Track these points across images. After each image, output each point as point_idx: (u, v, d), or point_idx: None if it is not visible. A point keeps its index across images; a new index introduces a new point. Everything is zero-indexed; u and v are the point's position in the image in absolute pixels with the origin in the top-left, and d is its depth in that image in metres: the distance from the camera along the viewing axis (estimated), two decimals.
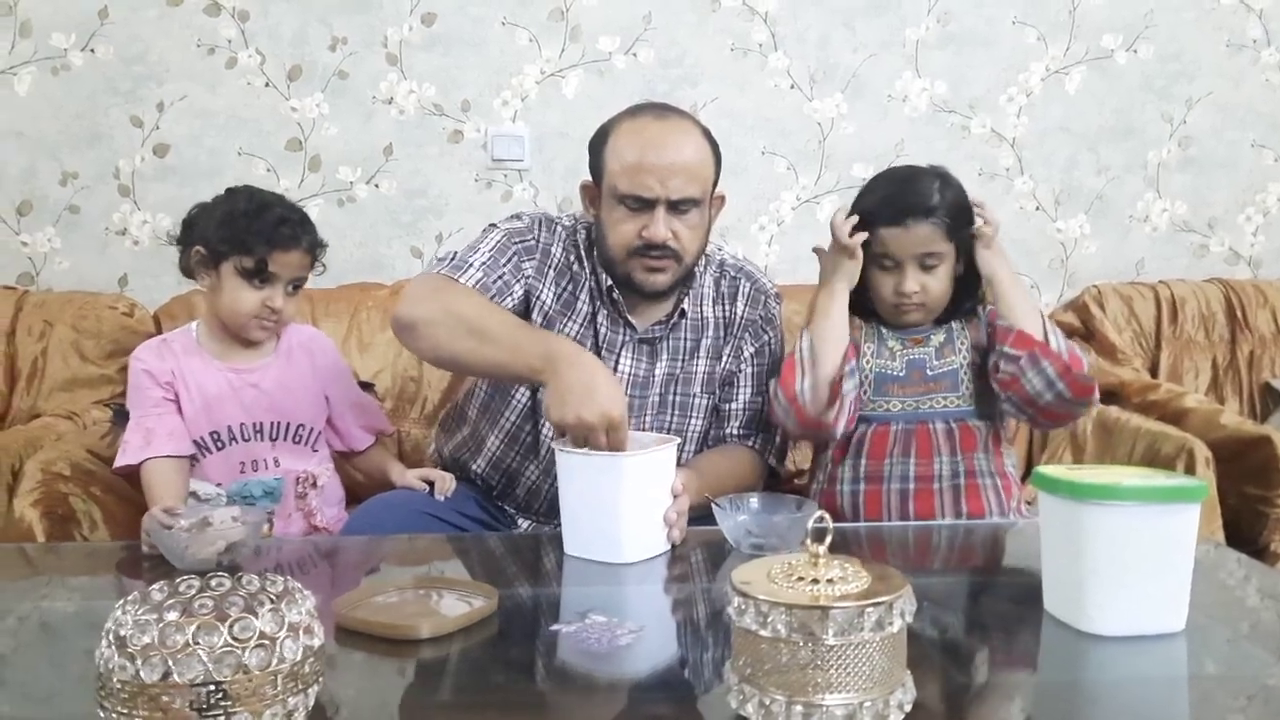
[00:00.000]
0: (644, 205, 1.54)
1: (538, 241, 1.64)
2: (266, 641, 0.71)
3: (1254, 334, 2.70)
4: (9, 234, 2.61)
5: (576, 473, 1.34)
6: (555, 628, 1.06)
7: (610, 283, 1.63)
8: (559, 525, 1.36)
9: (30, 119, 2.58)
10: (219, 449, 1.66)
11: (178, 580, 0.76)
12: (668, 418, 1.67)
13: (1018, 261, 2.81)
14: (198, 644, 0.70)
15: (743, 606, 0.80)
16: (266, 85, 2.63)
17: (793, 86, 2.75)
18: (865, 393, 1.68)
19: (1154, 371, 2.67)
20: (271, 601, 0.74)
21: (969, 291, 1.70)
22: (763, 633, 0.78)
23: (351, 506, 1.75)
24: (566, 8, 2.67)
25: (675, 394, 1.68)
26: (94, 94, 2.59)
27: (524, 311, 1.61)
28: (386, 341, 2.34)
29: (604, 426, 1.31)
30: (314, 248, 1.67)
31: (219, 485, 1.65)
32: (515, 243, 1.63)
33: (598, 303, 1.65)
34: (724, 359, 1.71)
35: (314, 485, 1.70)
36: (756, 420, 1.70)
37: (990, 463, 1.65)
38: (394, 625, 1.02)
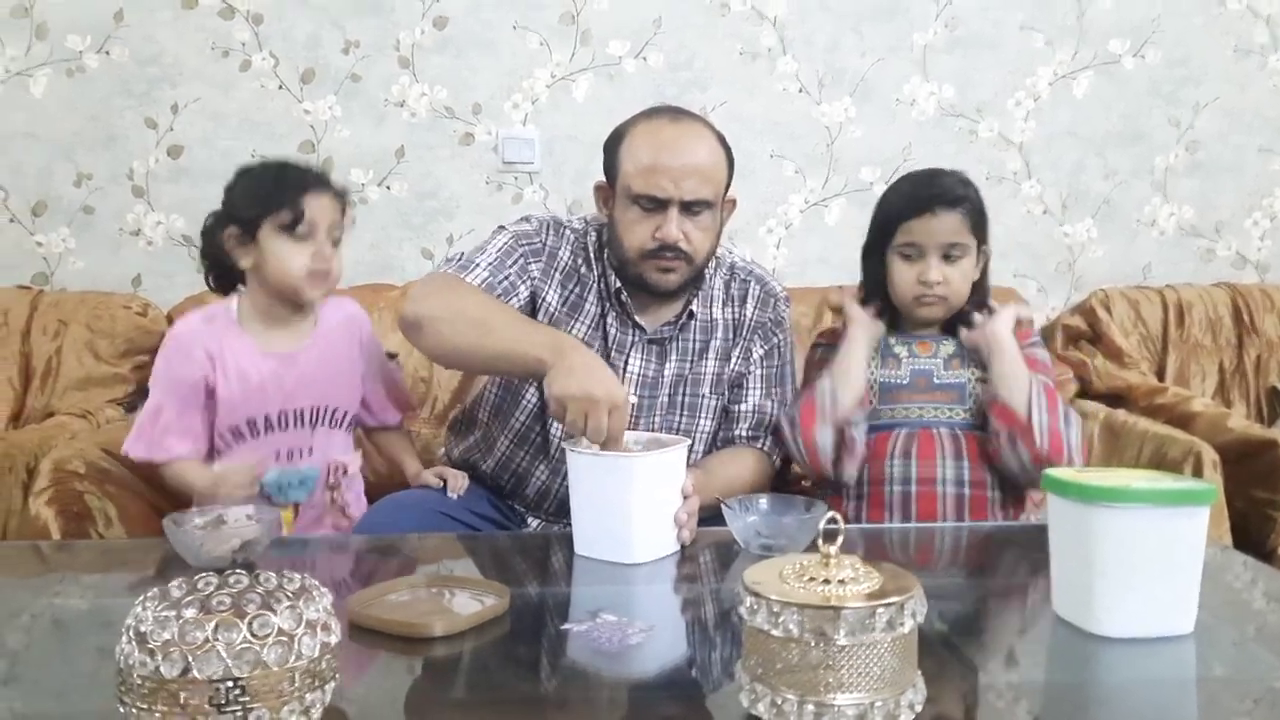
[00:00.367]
0: (657, 206, 1.55)
1: (544, 244, 1.66)
2: (285, 638, 0.72)
3: (1261, 338, 2.70)
4: (24, 234, 2.63)
5: (586, 473, 1.34)
6: (566, 626, 1.07)
7: (619, 285, 1.64)
8: (569, 525, 1.37)
9: (45, 120, 2.60)
10: (255, 436, 1.63)
11: (196, 577, 0.77)
12: (676, 418, 1.68)
13: (1025, 266, 2.83)
14: (217, 640, 0.71)
15: (755, 606, 0.80)
16: (280, 88, 2.64)
17: (801, 90, 2.76)
18: (870, 401, 1.68)
19: (1161, 375, 2.67)
20: (289, 598, 0.75)
21: (981, 300, 1.70)
22: (774, 632, 0.79)
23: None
24: (577, 12, 2.68)
25: (684, 395, 1.68)
26: (108, 96, 2.61)
27: (530, 313, 1.62)
28: (397, 343, 2.34)
29: (608, 404, 1.31)
30: (342, 194, 1.65)
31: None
32: (522, 245, 1.64)
33: (606, 304, 1.66)
34: (733, 360, 1.71)
35: (345, 473, 1.69)
36: (765, 422, 1.71)
37: (999, 476, 1.62)
38: (407, 623, 1.03)
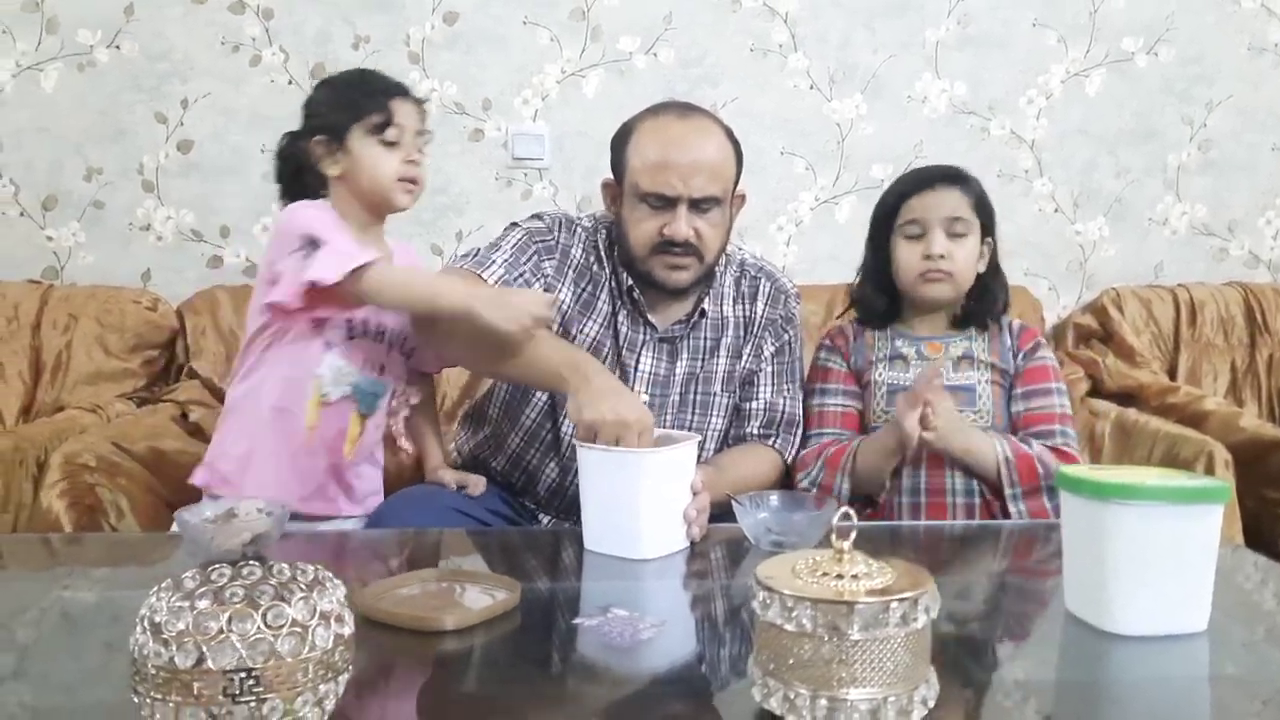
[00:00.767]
0: (666, 203, 1.55)
1: (557, 242, 1.65)
2: (299, 629, 0.72)
3: (1273, 337, 2.69)
4: (34, 229, 2.64)
5: (597, 469, 1.34)
6: (577, 621, 1.07)
7: (630, 282, 1.64)
8: (579, 521, 1.37)
9: (56, 115, 2.61)
10: (350, 340, 1.59)
11: (209, 568, 0.77)
12: (688, 416, 1.67)
13: (1036, 264, 2.82)
14: (231, 631, 0.71)
15: (767, 601, 0.80)
16: (290, 83, 2.65)
17: (812, 87, 2.75)
18: (878, 404, 1.68)
19: (1172, 375, 2.66)
20: (303, 590, 0.75)
21: (990, 296, 1.69)
22: (787, 627, 0.79)
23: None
24: (587, 7, 2.68)
25: (696, 393, 1.68)
26: (119, 90, 2.62)
27: None
28: None
29: (639, 428, 1.34)
30: (421, 102, 1.64)
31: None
32: (536, 242, 1.64)
33: (618, 302, 1.66)
34: (744, 358, 1.71)
35: (408, 404, 1.69)
36: (777, 419, 1.71)
37: None
38: (418, 617, 1.03)
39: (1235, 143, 2.85)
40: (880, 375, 1.68)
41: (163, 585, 0.75)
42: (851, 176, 2.78)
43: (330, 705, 0.76)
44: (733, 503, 1.35)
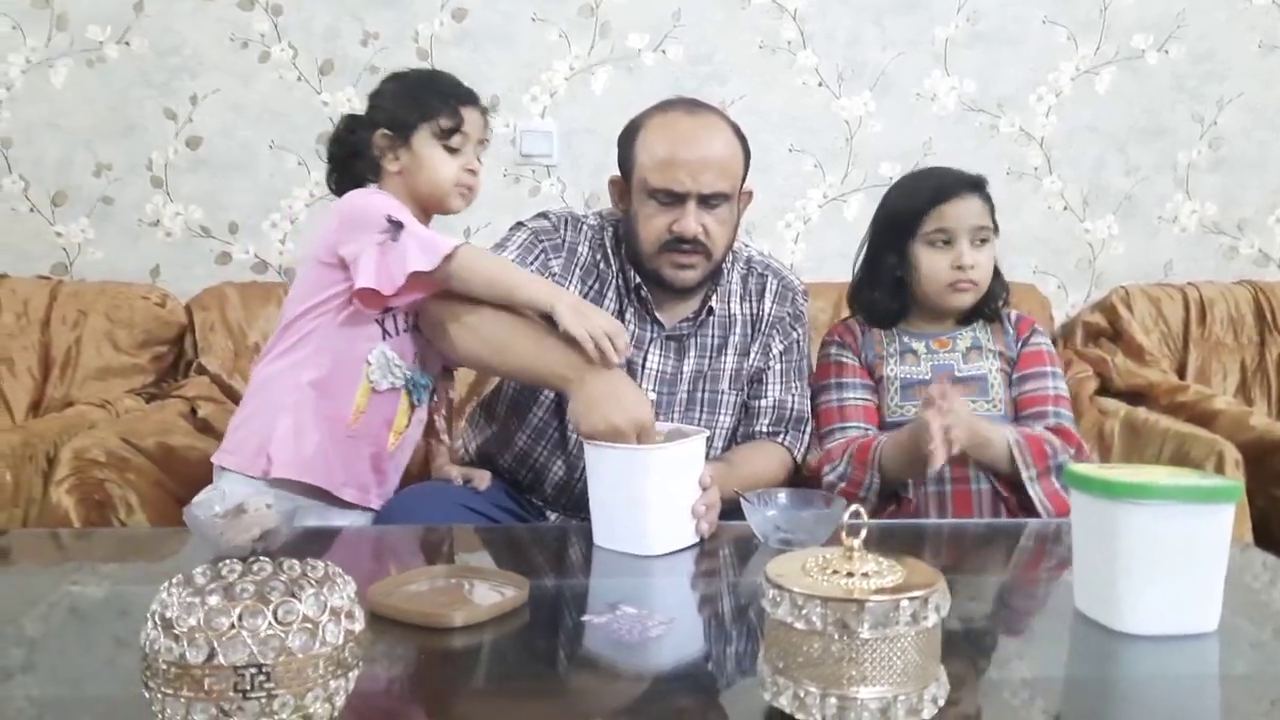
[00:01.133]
0: (675, 200, 1.55)
1: (564, 241, 1.65)
2: (310, 625, 0.72)
3: None
4: (44, 224, 2.64)
5: (604, 466, 1.34)
6: (586, 618, 1.07)
7: (638, 280, 1.64)
8: (587, 518, 1.37)
9: (65, 111, 2.62)
10: (395, 334, 1.58)
11: (220, 564, 0.77)
12: (696, 414, 1.67)
13: (1045, 262, 2.81)
14: (242, 626, 0.71)
15: (777, 599, 0.80)
16: (299, 79, 2.65)
17: (821, 84, 2.74)
18: (892, 399, 1.68)
19: (1182, 373, 2.65)
20: (313, 585, 0.75)
21: (992, 293, 1.70)
22: (797, 625, 0.79)
23: None
24: (596, 4, 2.67)
25: (704, 391, 1.68)
26: (128, 86, 2.62)
27: None
28: None
29: (634, 431, 1.34)
30: (486, 111, 1.65)
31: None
32: (542, 241, 1.64)
33: (625, 300, 1.66)
34: (752, 355, 1.71)
35: (449, 399, 1.69)
36: (786, 417, 1.71)
37: None
38: (428, 613, 1.03)
39: (1246, 140, 2.84)
40: (892, 371, 1.68)
41: (174, 581, 0.76)
42: (860, 174, 2.78)
43: (340, 701, 0.76)
44: (741, 500, 1.35)
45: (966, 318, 1.72)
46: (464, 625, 1.02)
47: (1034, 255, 2.81)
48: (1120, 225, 2.85)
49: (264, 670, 0.71)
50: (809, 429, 1.72)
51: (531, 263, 1.60)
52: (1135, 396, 2.46)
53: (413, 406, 1.61)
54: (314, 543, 1.39)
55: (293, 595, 0.73)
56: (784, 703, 0.80)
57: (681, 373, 1.67)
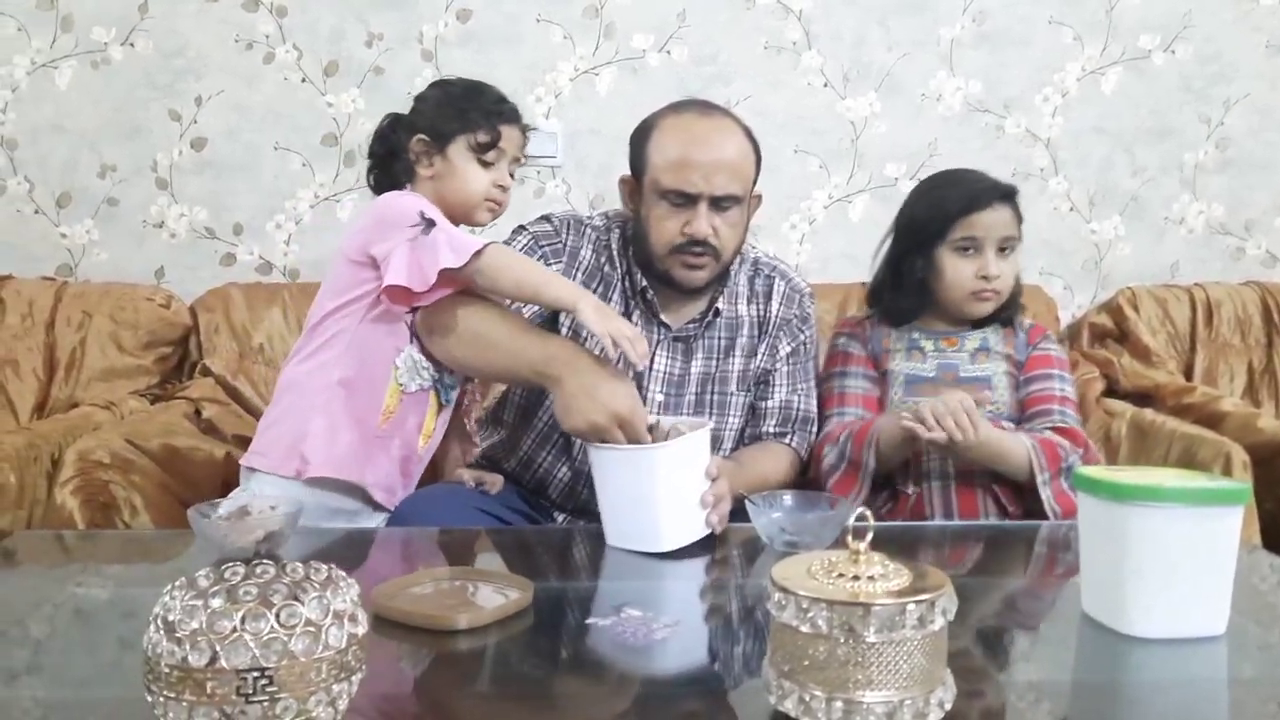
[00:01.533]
0: (687, 201, 1.55)
1: (565, 244, 1.65)
2: (312, 628, 0.72)
3: None
4: (49, 226, 2.64)
5: (610, 467, 1.34)
6: (591, 621, 1.07)
7: (645, 282, 1.63)
8: (593, 521, 1.37)
9: (70, 112, 2.62)
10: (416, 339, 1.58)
11: (223, 566, 0.77)
12: (705, 416, 1.66)
13: (1051, 263, 2.80)
14: (245, 630, 0.71)
15: (783, 602, 0.79)
16: (303, 81, 2.65)
17: (826, 85, 2.74)
18: (895, 394, 1.68)
19: (1188, 375, 2.63)
20: (316, 589, 0.75)
21: (1011, 299, 1.70)
22: (803, 628, 0.78)
23: None
24: (601, 5, 2.67)
25: (712, 393, 1.68)
26: (133, 88, 2.62)
27: (552, 316, 1.62)
28: None
29: (615, 425, 1.33)
30: (526, 129, 1.65)
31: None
32: (543, 245, 1.64)
33: (631, 302, 1.66)
34: (759, 357, 1.71)
35: (476, 398, 1.70)
36: (792, 418, 1.70)
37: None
38: (432, 616, 1.03)
39: (1253, 141, 2.82)
40: (897, 365, 1.68)
41: (176, 583, 0.75)
42: (865, 175, 2.77)
43: (343, 704, 0.75)
44: (746, 503, 1.34)
45: (980, 321, 1.71)
46: (468, 628, 1.01)
47: (1040, 256, 2.80)
48: (1126, 226, 2.84)
49: (267, 674, 0.70)
50: (815, 429, 1.72)
51: None
52: (1142, 398, 2.45)
53: (440, 406, 1.61)
54: (317, 545, 1.39)
55: (296, 598, 0.73)
56: (789, 707, 0.79)
57: (689, 374, 1.67)
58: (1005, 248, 1.63)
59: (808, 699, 0.78)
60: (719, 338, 1.69)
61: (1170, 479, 1.03)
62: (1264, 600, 1.19)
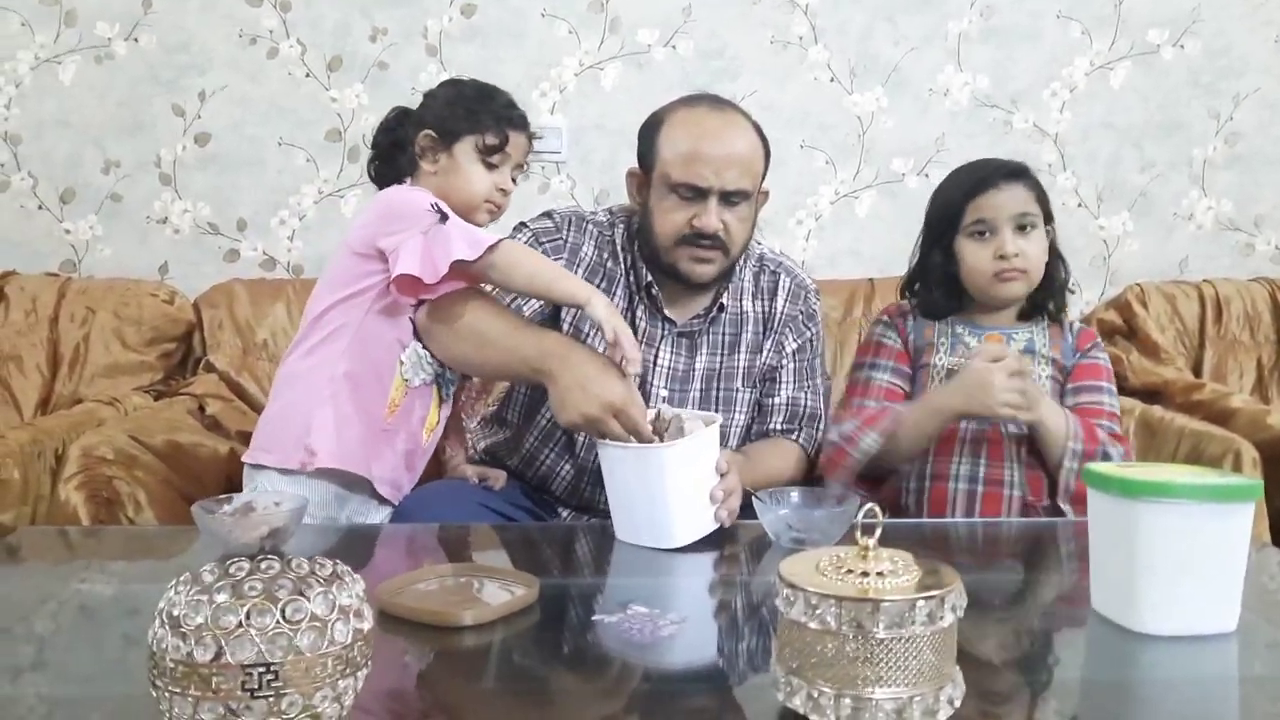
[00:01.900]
0: (697, 195, 1.54)
1: (565, 241, 1.65)
2: (318, 624, 0.71)
3: None
4: (52, 221, 2.64)
5: (620, 465, 1.34)
6: (597, 618, 1.06)
7: (649, 278, 1.63)
8: (596, 518, 1.36)
9: (74, 107, 2.62)
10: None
11: (228, 562, 0.76)
12: (711, 412, 1.66)
13: None
14: (250, 625, 0.70)
15: (791, 598, 0.79)
16: (307, 76, 2.64)
17: (832, 80, 2.73)
18: (932, 387, 1.65)
19: (1197, 371, 2.62)
20: (321, 584, 0.74)
21: (1054, 284, 1.67)
22: (811, 625, 0.77)
23: None
24: (606, 0, 2.66)
25: (718, 389, 1.67)
26: (137, 83, 2.62)
27: (555, 311, 1.62)
28: None
29: (609, 414, 1.32)
30: (532, 137, 1.65)
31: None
32: (543, 242, 1.64)
33: (635, 298, 1.65)
34: (765, 353, 1.70)
35: (474, 398, 1.69)
36: (799, 415, 1.70)
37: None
38: (437, 612, 1.02)
39: (1262, 136, 2.81)
40: (940, 360, 1.65)
41: (181, 579, 0.75)
42: (872, 170, 2.76)
43: (349, 700, 0.75)
44: (753, 499, 1.34)
45: (1027, 314, 1.69)
46: (473, 624, 1.01)
47: None
48: (1135, 222, 2.82)
49: (272, 669, 0.70)
50: (823, 426, 1.71)
51: None
52: (1150, 395, 2.44)
53: (441, 401, 1.61)
54: (322, 540, 1.39)
55: (301, 594, 0.72)
56: (798, 703, 0.79)
57: (694, 370, 1.66)
58: (1024, 225, 1.60)
59: (816, 695, 0.78)
60: (724, 333, 1.68)
61: (1181, 475, 1.02)
62: (1274, 598, 1.18)
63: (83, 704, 0.89)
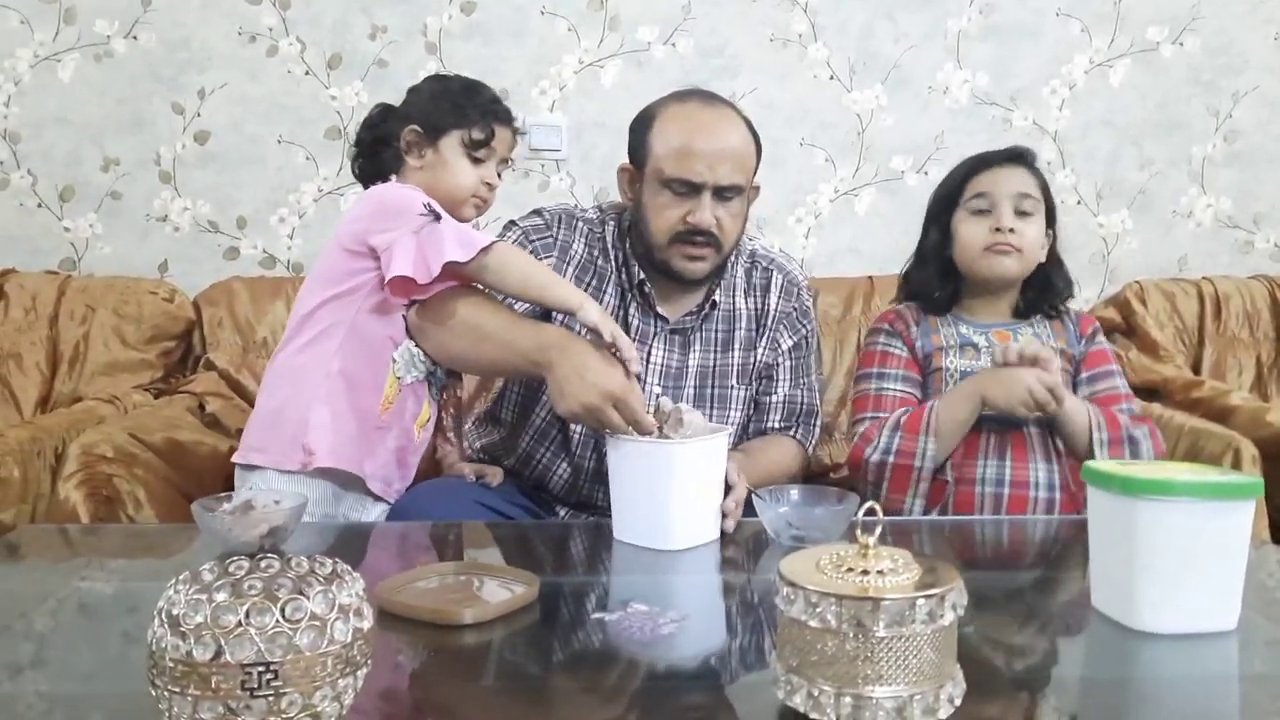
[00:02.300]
0: (690, 190, 1.54)
1: (555, 239, 1.65)
2: (318, 623, 0.71)
3: None
4: (52, 219, 2.64)
5: (627, 460, 1.33)
6: (597, 616, 1.06)
7: (641, 275, 1.62)
8: (593, 516, 1.36)
9: (73, 105, 2.61)
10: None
11: (227, 560, 0.76)
12: (706, 410, 1.66)
13: None
14: (249, 624, 0.70)
15: (791, 596, 0.79)
16: (306, 73, 2.64)
17: (832, 78, 2.73)
18: (946, 391, 1.65)
19: (1196, 369, 2.62)
20: (321, 583, 0.74)
21: (1051, 287, 1.67)
22: (811, 623, 0.77)
23: None
24: None
25: (713, 387, 1.67)
26: (136, 81, 2.62)
27: (545, 314, 1.61)
28: None
29: (607, 403, 1.32)
30: (517, 132, 1.66)
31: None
32: (533, 240, 1.64)
33: (627, 295, 1.65)
34: (759, 350, 1.70)
35: (458, 400, 1.70)
36: (796, 412, 1.70)
37: None
38: (437, 610, 1.02)
39: (1262, 134, 2.81)
40: (951, 363, 1.64)
41: (180, 577, 0.75)
42: (871, 168, 2.76)
43: (349, 699, 0.75)
44: (753, 497, 1.34)
45: (1025, 310, 1.69)
46: (473, 623, 1.01)
47: None
48: (1134, 220, 2.82)
49: (271, 668, 0.70)
50: (819, 422, 1.71)
51: None
52: (1150, 392, 2.44)
53: (432, 399, 1.61)
54: (322, 539, 1.39)
55: (301, 593, 0.72)
56: (798, 701, 0.79)
57: (687, 367, 1.66)
58: (1023, 209, 1.60)
59: (816, 694, 0.78)
60: (717, 330, 1.68)
61: (1181, 473, 1.02)
62: (1274, 595, 1.18)
63: (82, 702, 0.89)
